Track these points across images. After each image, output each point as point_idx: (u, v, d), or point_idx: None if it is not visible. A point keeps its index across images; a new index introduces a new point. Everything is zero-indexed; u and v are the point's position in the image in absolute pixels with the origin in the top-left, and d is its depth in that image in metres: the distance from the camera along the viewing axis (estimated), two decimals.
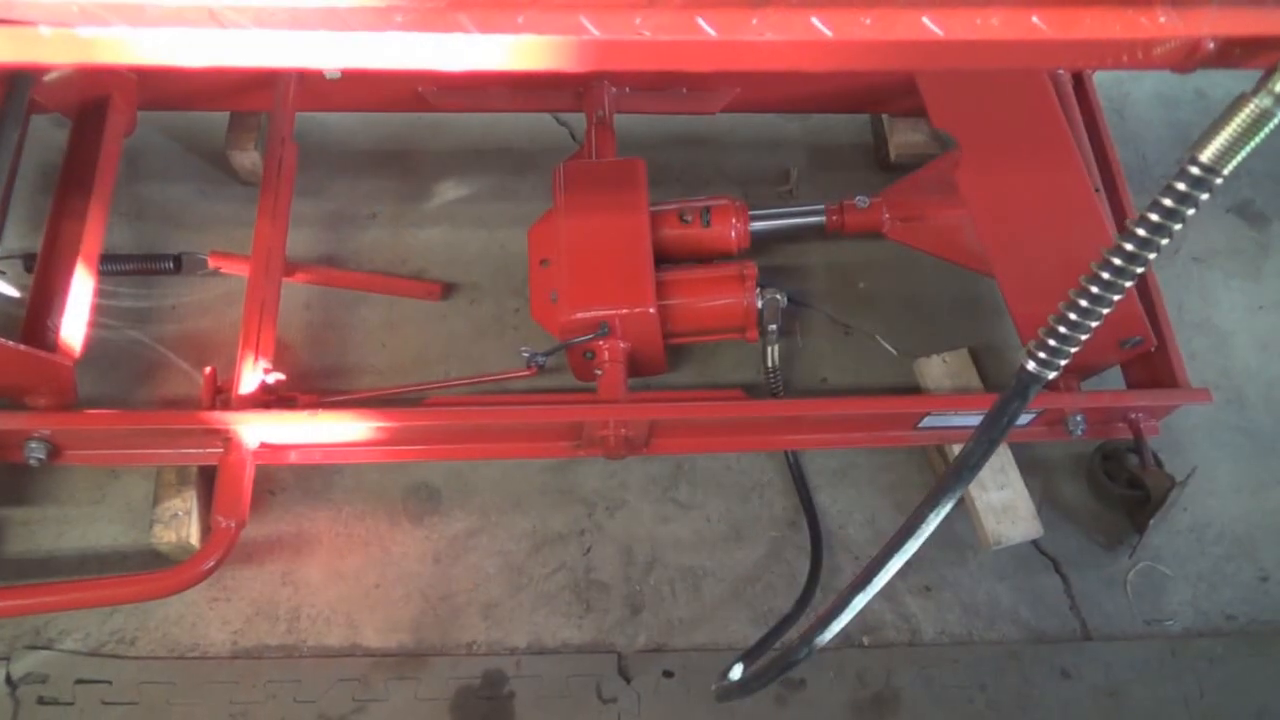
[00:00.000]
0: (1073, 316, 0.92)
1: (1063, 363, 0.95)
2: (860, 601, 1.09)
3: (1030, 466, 2.05)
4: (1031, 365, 0.95)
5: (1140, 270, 0.87)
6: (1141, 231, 0.85)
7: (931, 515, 1.02)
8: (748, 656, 1.56)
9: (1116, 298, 0.89)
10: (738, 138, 2.44)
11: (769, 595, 1.95)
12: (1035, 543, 2.01)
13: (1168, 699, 1.89)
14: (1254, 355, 2.26)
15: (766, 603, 1.94)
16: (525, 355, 1.88)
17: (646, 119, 2.34)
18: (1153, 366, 1.97)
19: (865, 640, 1.92)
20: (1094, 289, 0.90)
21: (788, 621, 1.78)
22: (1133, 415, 1.94)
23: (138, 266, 2.05)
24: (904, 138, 2.28)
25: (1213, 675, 1.92)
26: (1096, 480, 2.03)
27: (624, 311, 1.85)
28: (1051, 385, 1.92)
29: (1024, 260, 1.65)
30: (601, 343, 1.88)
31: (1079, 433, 1.93)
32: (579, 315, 1.85)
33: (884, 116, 2.33)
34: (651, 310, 1.85)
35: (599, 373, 1.89)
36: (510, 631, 1.88)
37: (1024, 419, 1.93)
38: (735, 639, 1.90)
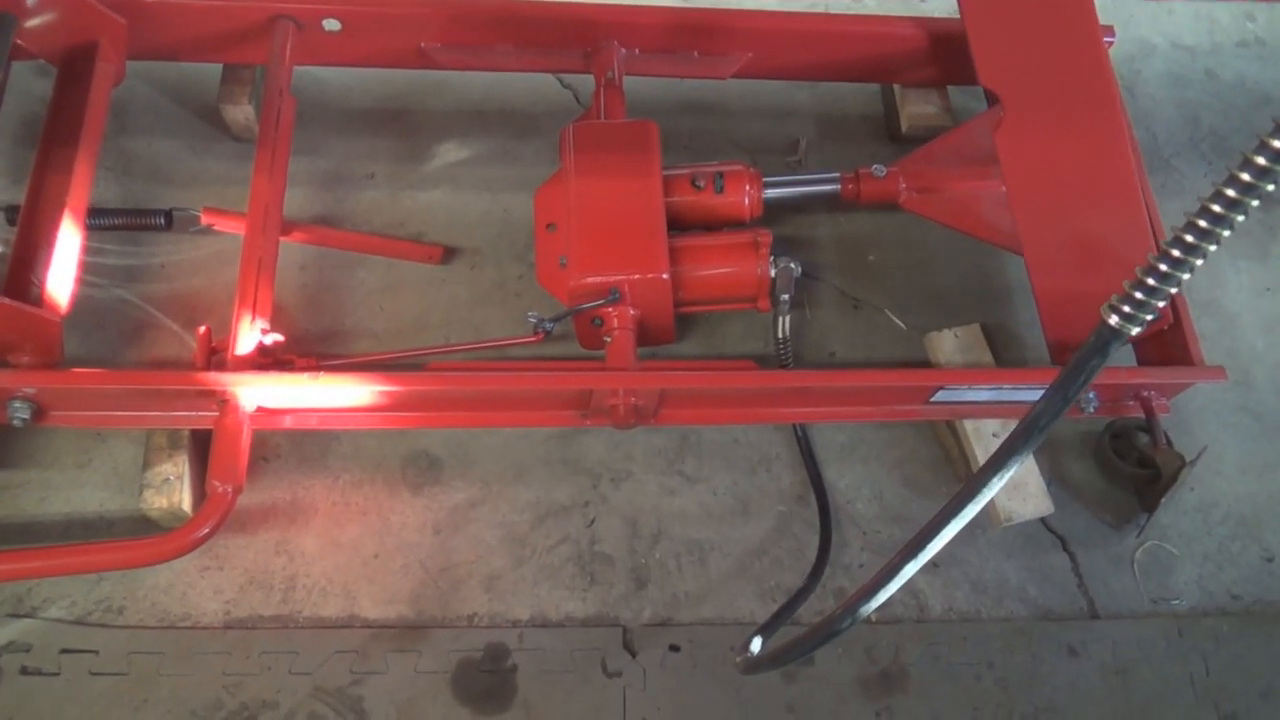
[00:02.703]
0: (1163, 268, 0.88)
1: (1148, 318, 0.91)
2: (910, 569, 1.05)
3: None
4: (1114, 320, 0.91)
5: (1240, 218, 0.83)
6: (1246, 176, 0.80)
7: (995, 479, 0.98)
8: (764, 630, 1.53)
9: (1212, 247, 0.85)
10: (746, 106, 2.39)
11: (776, 570, 1.91)
12: (1043, 520, 1.99)
13: (1174, 678, 1.88)
14: (1260, 337, 2.25)
15: (773, 577, 1.91)
16: (532, 320, 1.82)
17: (654, 84, 2.29)
18: (1165, 345, 1.95)
19: (873, 616, 1.89)
20: (1189, 238, 0.86)
21: (802, 595, 1.75)
22: (1145, 393, 1.92)
23: (126, 221, 1.96)
24: (916, 109, 2.24)
25: (1219, 655, 1.91)
26: (1105, 458, 2.01)
27: (636, 277, 1.79)
28: (1064, 359, 1.94)
29: (1053, 232, 1.62)
30: (611, 309, 1.83)
31: (1091, 410, 1.92)
32: (589, 280, 1.79)
33: (895, 87, 2.29)
34: (665, 276, 1.80)
35: (608, 340, 1.84)
36: (513, 604, 1.84)
37: (1034, 395, 1.90)
38: (742, 614, 1.87)
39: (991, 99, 2.16)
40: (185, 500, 1.75)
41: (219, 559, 1.82)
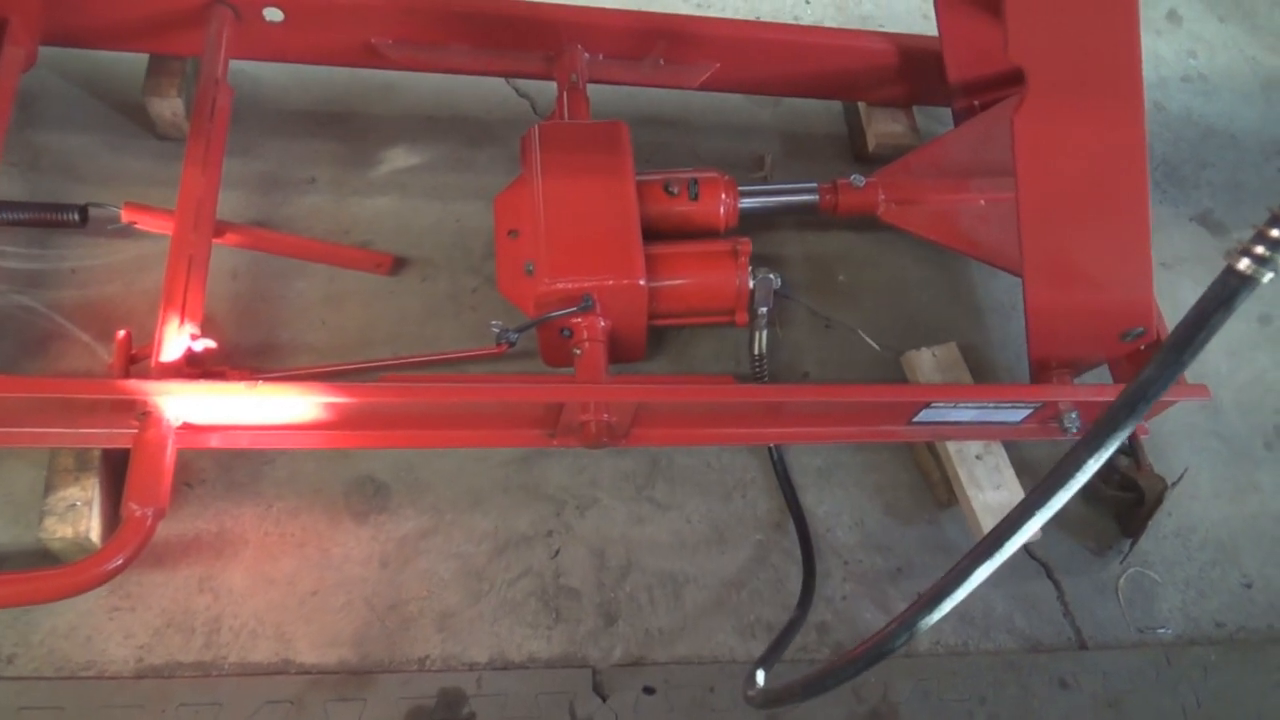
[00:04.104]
0: None
1: None
2: (982, 573, 0.92)
3: (1015, 468, 1.95)
4: (1243, 264, 0.81)
5: None
6: None
7: (1091, 461, 0.86)
8: (764, 661, 1.38)
9: None
10: (708, 121, 2.31)
11: (755, 603, 1.78)
12: (1025, 547, 1.91)
13: (1166, 710, 1.80)
14: (1224, 361, 2.24)
15: (753, 611, 1.77)
16: (495, 330, 1.67)
17: (614, 96, 2.19)
18: (1140, 364, 1.90)
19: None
20: None
21: (795, 625, 1.62)
22: None
23: (34, 217, 1.75)
24: (884, 128, 2.20)
25: (1207, 685, 1.84)
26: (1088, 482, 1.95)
27: (610, 283, 1.67)
28: (1044, 379, 1.88)
29: (1057, 237, 1.55)
30: (580, 320, 1.69)
31: (1074, 430, 1.85)
32: (559, 285, 1.66)
33: (861, 106, 2.25)
34: (641, 282, 1.67)
35: (577, 353, 1.70)
36: (469, 645, 1.65)
37: (1017, 415, 1.84)
38: (720, 651, 1.72)
39: (963, 110, 2.14)
40: (94, 530, 1.53)
41: (131, 598, 1.59)
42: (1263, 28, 2.86)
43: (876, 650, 0.97)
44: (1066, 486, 0.90)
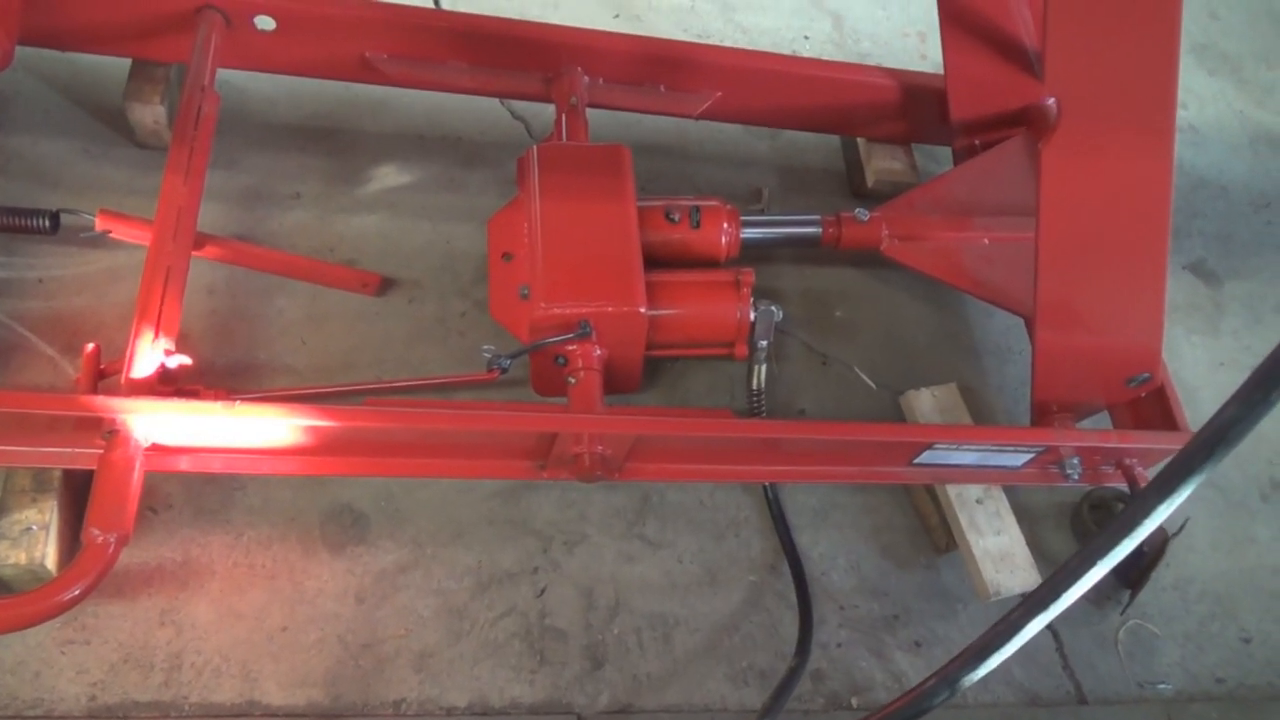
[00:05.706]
0: None
1: None
2: (1036, 626, 0.86)
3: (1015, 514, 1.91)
4: None
5: None
6: None
7: (1162, 506, 0.80)
8: (768, 714, 1.31)
9: None
10: (706, 152, 2.27)
11: (748, 649, 1.70)
12: (1023, 595, 1.85)
13: None
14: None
15: (746, 657, 1.69)
16: (487, 355, 1.60)
17: (612, 123, 2.14)
18: (1143, 411, 1.88)
19: (854, 701, 1.70)
20: None
21: (795, 675, 1.55)
22: (1128, 460, 1.83)
23: (0, 222, 1.65)
24: (883, 164, 2.17)
25: None
26: (1086, 530, 1.91)
27: (609, 309, 1.61)
28: (1045, 422, 1.84)
29: (1074, 276, 1.51)
30: (576, 347, 1.63)
31: (1076, 477, 1.81)
32: (556, 310, 1.59)
33: (860, 142, 2.22)
34: (642, 310, 1.61)
35: (572, 381, 1.63)
36: (448, 688, 1.56)
37: (1018, 460, 1.79)
38: (712, 699, 1.65)
39: (963, 149, 2.12)
40: (50, 556, 1.43)
41: (86, 630, 1.49)
42: (1249, 82, 2.89)
43: (912, 708, 0.91)
44: (1133, 534, 0.84)
